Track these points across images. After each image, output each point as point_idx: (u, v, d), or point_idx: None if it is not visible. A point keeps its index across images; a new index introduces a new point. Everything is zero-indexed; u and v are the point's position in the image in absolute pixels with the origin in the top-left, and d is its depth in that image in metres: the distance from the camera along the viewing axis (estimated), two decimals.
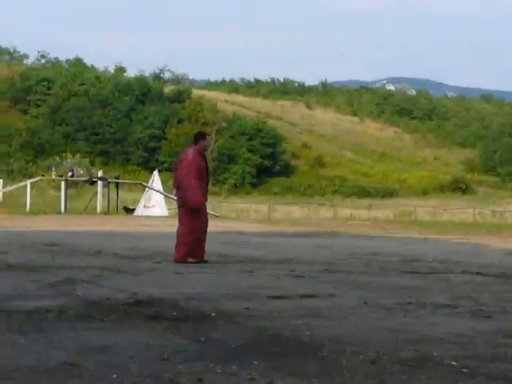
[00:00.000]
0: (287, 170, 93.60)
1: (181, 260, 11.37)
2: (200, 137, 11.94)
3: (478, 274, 11.02)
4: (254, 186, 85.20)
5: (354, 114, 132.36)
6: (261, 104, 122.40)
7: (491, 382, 4.30)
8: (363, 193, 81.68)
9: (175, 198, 12.67)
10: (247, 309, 6.81)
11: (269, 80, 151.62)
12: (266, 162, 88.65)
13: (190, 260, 11.43)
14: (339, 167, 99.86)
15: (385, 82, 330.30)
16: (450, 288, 9.05)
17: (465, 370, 4.56)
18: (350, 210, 45.51)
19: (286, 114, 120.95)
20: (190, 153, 11.72)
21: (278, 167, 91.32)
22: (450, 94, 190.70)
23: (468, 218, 46.21)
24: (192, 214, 11.54)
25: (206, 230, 11.75)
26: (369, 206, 51.21)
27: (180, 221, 11.72)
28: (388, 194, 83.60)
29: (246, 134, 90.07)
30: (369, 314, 6.81)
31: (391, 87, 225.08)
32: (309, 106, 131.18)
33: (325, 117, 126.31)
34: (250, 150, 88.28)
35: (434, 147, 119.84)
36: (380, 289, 8.79)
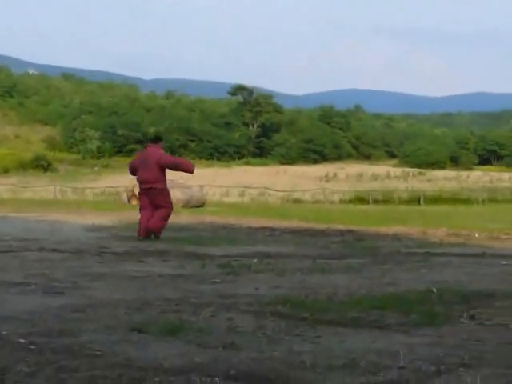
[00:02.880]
0: None
1: (158, 230, 13.96)
2: (159, 139, 15.03)
3: (54, 250, 11.12)
4: None
5: None
6: None
7: (56, 355, 4.38)
8: None
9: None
10: None
11: None
12: None
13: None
14: None
15: None
16: (25, 266, 9.02)
17: (32, 347, 4.59)
18: None
19: None
20: (160, 150, 14.37)
21: None
22: (32, 71, 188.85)
23: (49, 196, 46.26)
24: (169, 197, 14.39)
25: None
26: None
27: (160, 203, 14.13)
28: None
29: None
30: None
31: None
32: None
33: None
34: None
35: (16, 125, 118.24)
36: None
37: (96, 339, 4.87)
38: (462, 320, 5.87)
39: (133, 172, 14.60)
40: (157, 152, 14.24)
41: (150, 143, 14.83)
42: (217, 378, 3.94)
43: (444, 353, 4.71)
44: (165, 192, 14.27)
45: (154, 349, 4.65)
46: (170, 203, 14.36)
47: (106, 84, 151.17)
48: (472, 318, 5.96)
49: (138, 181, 14.42)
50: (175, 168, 14.31)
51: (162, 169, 14.12)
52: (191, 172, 14.49)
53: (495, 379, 4.12)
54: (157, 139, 14.98)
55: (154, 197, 14.16)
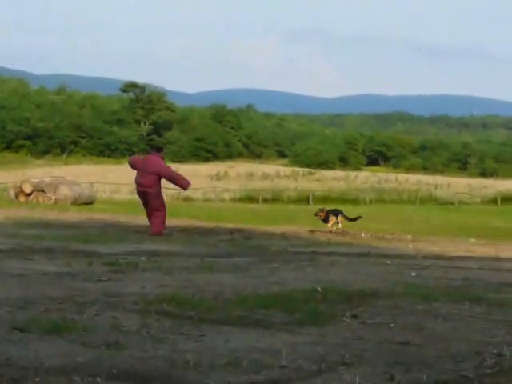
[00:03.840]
0: None
1: (160, 234, 15.38)
2: (161, 149, 17.13)
3: None
4: None
5: None
6: None
7: None
8: None
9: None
10: None
11: None
12: None
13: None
14: None
15: None
16: None
17: None
18: None
19: None
20: (161, 160, 16.09)
21: None
22: None
23: None
24: (162, 200, 16.06)
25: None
26: None
27: (156, 207, 15.81)
28: None
29: None
30: None
31: None
32: None
33: None
34: None
35: None
36: None
37: None
38: (344, 319, 5.99)
39: (132, 166, 16.31)
40: (158, 161, 15.95)
41: (152, 151, 16.81)
42: (98, 378, 3.91)
43: (325, 351, 4.81)
44: (159, 196, 15.96)
45: (35, 348, 4.59)
46: (164, 205, 16.05)
47: None
48: (354, 316, 6.09)
49: (136, 182, 16.09)
50: (172, 181, 16.19)
51: (159, 177, 15.81)
52: (185, 188, 16.74)
53: (374, 377, 4.23)
54: (158, 149, 16.96)
55: (149, 200, 15.87)
